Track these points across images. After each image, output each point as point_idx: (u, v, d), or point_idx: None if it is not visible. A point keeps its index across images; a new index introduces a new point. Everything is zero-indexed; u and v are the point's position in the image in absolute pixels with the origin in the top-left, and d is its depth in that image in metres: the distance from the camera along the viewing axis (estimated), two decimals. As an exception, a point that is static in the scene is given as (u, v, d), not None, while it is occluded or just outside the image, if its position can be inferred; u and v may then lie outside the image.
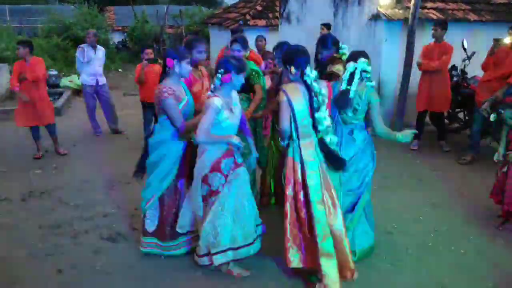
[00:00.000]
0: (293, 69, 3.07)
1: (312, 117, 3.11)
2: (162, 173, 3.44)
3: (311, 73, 3.07)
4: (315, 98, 3.08)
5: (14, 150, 6.21)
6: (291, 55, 3.11)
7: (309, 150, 3.11)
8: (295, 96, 3.06)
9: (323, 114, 3.08)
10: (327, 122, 3.12)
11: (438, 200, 4.79)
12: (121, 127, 7.53)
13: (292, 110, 3.05)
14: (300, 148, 3.10)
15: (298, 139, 3.10)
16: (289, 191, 3.14)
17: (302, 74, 3.07)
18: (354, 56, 3.37)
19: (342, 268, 3.12)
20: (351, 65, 3.30)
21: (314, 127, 3.13)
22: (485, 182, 4.56)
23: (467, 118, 6.70)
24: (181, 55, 3.33)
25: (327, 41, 3.91)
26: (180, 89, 3.42)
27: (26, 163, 5.96)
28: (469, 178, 5.38)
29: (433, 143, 6.56)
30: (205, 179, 3.18)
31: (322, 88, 3.11)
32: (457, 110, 6.82)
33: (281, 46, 4.26)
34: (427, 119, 6.56)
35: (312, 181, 3.07)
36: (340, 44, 3.95)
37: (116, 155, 6.35)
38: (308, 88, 3.08)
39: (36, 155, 6.13)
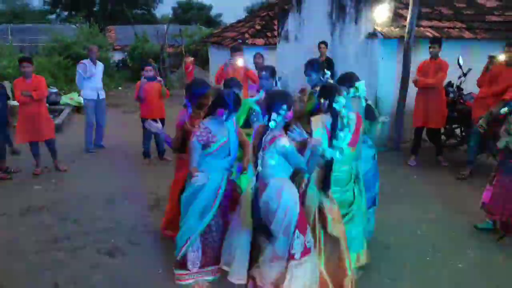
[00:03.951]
0: (322, 100, 3.23)
1: (331, 139, 3.14)
2: (200, 206, 3.24)
3: (340, 100, 3.13)
4: (340, 120, 3.14)
5: (14, 165, 6.23)
6: (327, 91, 3.23)
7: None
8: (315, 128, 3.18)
9: (344, 134, 3.15)
10: (344, 143, 3.15)
11: (436, 215, 4.80)
12: (118, 143, 7.59)
13: None
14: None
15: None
16: None
17: (331, 105, 3.16)
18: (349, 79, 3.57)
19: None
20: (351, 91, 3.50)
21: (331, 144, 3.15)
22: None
23: (463, 134, 6.76)
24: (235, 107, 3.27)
25: (315, 65, 4.14)
26: (221, 131, 3.24)
27: (26, 178, 5.98)
28: (467, 193, 5.40)
29: (430, 159, 6.60)
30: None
31: (351, 113, 3.27)
32: (453, 126, 6.88)
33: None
34: (424, 135, 6.61)
35: None
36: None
37: (115, 171, 6.38)
38: (335, 114, 3.14)
39: (36, 171, 6.14)
